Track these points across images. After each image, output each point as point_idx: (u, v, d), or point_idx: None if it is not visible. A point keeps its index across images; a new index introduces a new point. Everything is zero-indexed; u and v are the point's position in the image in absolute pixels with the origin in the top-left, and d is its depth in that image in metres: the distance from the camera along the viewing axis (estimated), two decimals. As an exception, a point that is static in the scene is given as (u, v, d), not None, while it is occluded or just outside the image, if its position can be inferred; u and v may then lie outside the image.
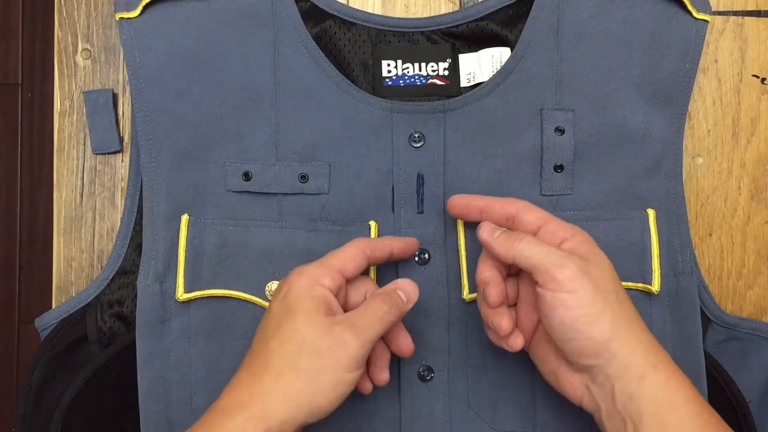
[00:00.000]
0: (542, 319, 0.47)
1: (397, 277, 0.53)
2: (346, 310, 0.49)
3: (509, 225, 0.50)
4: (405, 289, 0.49)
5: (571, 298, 0.44)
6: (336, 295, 0.47)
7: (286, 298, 0.46)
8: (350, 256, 0.48)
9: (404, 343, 0.50)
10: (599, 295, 0.45)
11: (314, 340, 0.45)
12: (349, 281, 0.49)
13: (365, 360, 0.46)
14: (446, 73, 0.56)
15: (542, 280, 0.45)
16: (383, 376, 0.50)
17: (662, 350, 0.46)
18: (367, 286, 0.50)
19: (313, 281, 0.47)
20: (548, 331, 0.46)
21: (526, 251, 0.46)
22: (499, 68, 0.55)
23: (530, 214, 0.49)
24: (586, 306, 0.44)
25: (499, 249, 0.48)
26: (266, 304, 0.53)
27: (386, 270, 0.54)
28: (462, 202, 0.51)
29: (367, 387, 0.50)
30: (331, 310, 0.46)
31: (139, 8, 0.53)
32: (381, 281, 0.54)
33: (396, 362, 0.53)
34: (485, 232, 0.49)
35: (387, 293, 0.48)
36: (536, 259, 0.46)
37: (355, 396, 0.53)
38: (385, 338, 0.50)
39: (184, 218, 0.54)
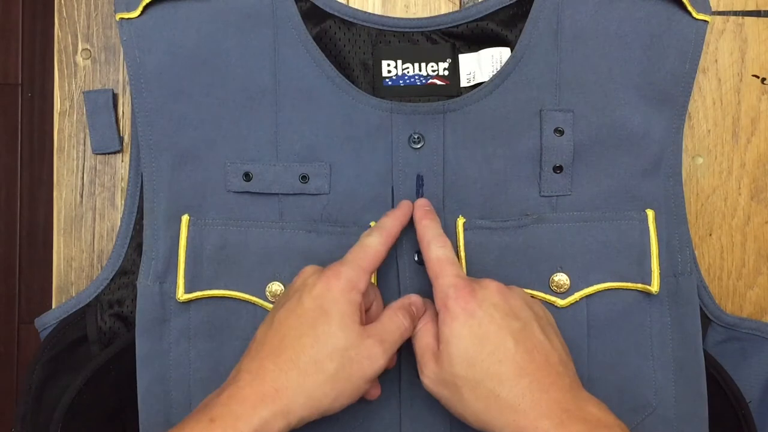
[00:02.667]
0: None
1: (398, 276, 0.54)
2: None
3: None
4: (416, 304, 0.50)
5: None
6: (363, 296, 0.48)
7: (323, 299, 0.46)
8: (379, 254, 0.49)
9: (372, 392, 0.51)
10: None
11: (347, 348, 0.45)
12: None
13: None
14: (446, 73, 0.56)
15: None
16: (375, 391, 0.51)
17: None
18: (375, 291, 0.51)
19: (351, 285, 0.47)
20: None
21: (414, 338, 0.50)
22: (499, 68, 0.55)
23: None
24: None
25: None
26: (266, 304, 0.53)
27: (386, 270, 0.54)
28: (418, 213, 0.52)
29: (375, 393, 0.51)
30: (362, 318, 0.47)
31: (140, 8, 0.53)
32: (381, 281, 0.54)
33: (397, 362, 0.53)
34: (414, 302, 0.51)
35: (405, 308, 0.49)
36: (415, 353, 0.49)
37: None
38: None
39: (185, 218, 0.54)
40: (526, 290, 0.53)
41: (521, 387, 0.45)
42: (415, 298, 0.50)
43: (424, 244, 0.50)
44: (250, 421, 0.43)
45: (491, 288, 0.48)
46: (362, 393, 0.47)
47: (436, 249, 0.50)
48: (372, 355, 0.46)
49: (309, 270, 0.49)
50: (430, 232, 0.51)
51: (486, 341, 0.46)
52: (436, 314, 0.49)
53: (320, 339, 0.45)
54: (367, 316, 0.50)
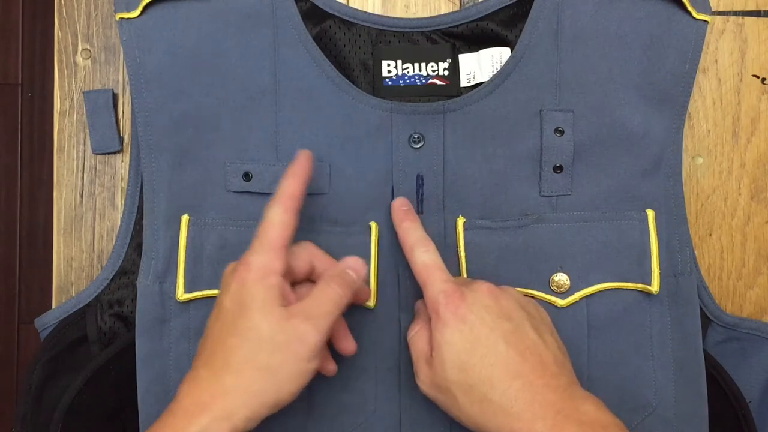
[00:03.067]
0: None
1: (398, 276, 0.54)
2: (293, 281, 0.48)
3: None
4: (354, 267, 0.49)
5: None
6: (285, 275, 0.47)
7: (240, 294, 0.45)
8: (284, 225, 0.47)
9: (347, 346, 0.50)
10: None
11: (272, 335, 0.44)
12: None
13: (324, 347, 0.46)
14: (446, 73, 0.56)
15: None
16: (350, 346, 0.50)
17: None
18: (308, 249, 0.50)
19: (264, 272, 0.45)
20: None
21: (409, 343, 0.50)
22: (499, 68, 0.55)
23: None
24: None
25: None
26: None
27: (386, 270, 0.54)
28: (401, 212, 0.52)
29: (331, 368, 0.50)
30: (286, 300, 0.46)
31: (139, 8, 0.53)
32: (381, 281, 0.54)
33: (397, 362, 0.53)
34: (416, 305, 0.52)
35: (339, 275, 0.47)
36: (411, 358, 0.50)
37: (355, 396, 0.53)
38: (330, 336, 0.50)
39: (185, 218, 0.54)
40: (526, 290, 0.53)
41: (514, 389, 0.44)
42: (351, 261, 0.49)
43: (407, 249, 0.50)
44: (189, 430, 0.42)
45: (482, 290, 0.48)
46: (309, 374, 0.45)
47: (421, 255, 0.49)
48: (301, 334, 0.44)
49: (227, 269, 0.48)
50: (412, 236, 0.50)
51: (477, 345, 0.45)
52: (425, 320, 0.49)
53: (245, 335, 0.44)
54: (313, 279, 0.49)
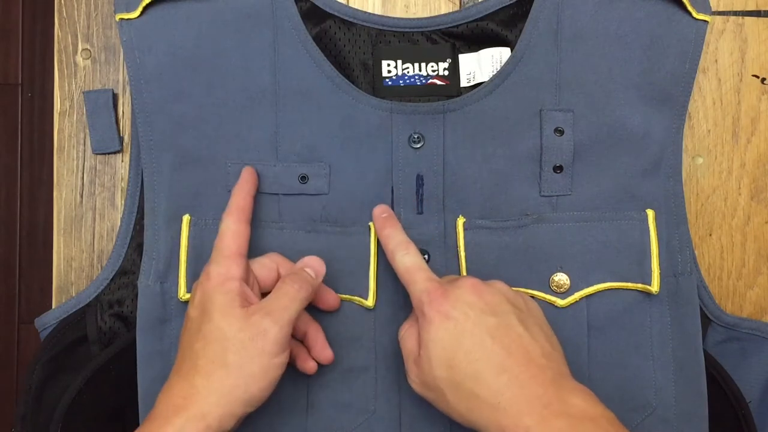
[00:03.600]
0: None
1: (397, 278, 0.54)
2: (263, 291, 0.50)
3: None
4: (312, 265, 0.51)
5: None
6: (246, 281, 0.49)
7: (203, 303, 0.48)
8: (236, 234, 0.50)
9: (324, 355, 0.52)
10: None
11: (235, 333, 0.46)
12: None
13: (288, 341, 0.48)
14: (446, 73, 0.56)
15: None
16: (326, 355, 0.52)
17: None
18: (273, 259, 0.52)
19: (222, 278, 0.48)
20: None
21: (399, 343, 0.50)
22: (499, 68, 0.55)
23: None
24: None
25: None
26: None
27: (386, 271, 0.54)
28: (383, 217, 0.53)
29: (311, 366, 0.52)
30: (247, 301, 0.48)
31: (139, 9, 0.53)
32: (381, 281, 0.54)
33: (396, 362, 0.53)
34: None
35: (295, 273, 0.50)
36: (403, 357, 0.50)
37: (355, 396, 0.53)
38: (306, 345, 0.52)
39: (185, 218, 0.54)
40: (526, 290, 0.53)
41: (500, 384, 0.44)
42: (309, 259, 0.51)
43: (389, 254, 0.51)
44: (165, 431, 0.44)
45: (465, 286, 0.48)
46: (277, 368, 0.47)
47: (402, 257, 0.50)
48: (262, 329, 0.46)
49: (194, 286, 0.50)
50: (392, 241, 0.51)
51: (462, 341, 0.45)
52: (412, 320, 0.49)
53: (209, 337, 0.46)
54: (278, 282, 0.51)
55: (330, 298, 0.53)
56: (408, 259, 0.50)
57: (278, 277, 0.51)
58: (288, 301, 0.48)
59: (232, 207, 0.51)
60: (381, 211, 0.53)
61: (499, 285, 0.49)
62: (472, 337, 0.46)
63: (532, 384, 0.44)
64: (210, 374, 0.45)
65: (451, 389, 0.46)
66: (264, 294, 0.50)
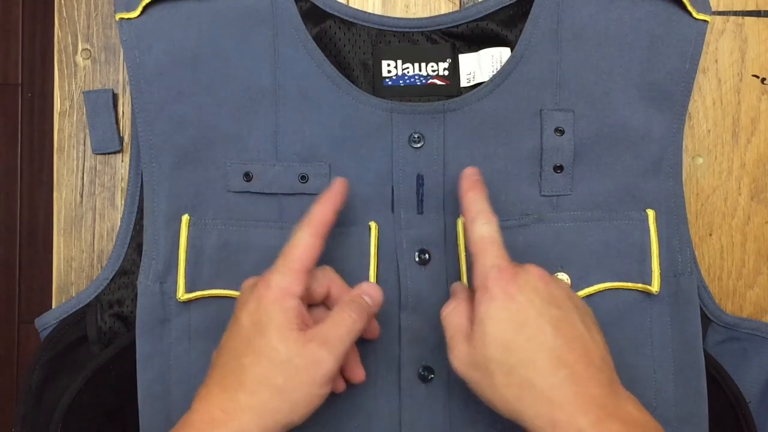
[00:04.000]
0: None
1: (398, 276, 0.53)
2: (309, 303, 0.49)
3: None
4: (370, 293, 0.49)
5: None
6: (303, 299, 0.47)
7: (258, 313, 0.46)
8: (309, 248, 0.47)
9: (357, 374, 0.51)
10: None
11: (289, 358, 0.44)
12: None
13: (338, 372, 0.47)
14: (446, 73, 0.56)
15: None
16: (360, 374, 0.51)
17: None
18: (327, 274, 0.50)
19: (283, 293, 0.46)
20: None
21: (443, 320, 0.49)
22: (499, 68, 0.55)
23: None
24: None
25: None
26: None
27: (386, 270, 0.54)
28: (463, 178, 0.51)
29: (340, 386, 0.50)
30: (304, 323, 0.46)
31: (139, 8, 0.53)
32: (381, 282, 0.54)
33: (396, 362, 0.53)
34: (452, 288, 0.51)
35: (354, 301, 0.48)
36: (445, 334, 0.48)
37: (355, 396, 0.53)
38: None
39: (185, 218, 0.54)
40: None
41: (558, 378, 0.43)
42: (367, 287, 0.49)
43: (469, 219, 0.48)
44: None
45: (534, 273, 0.46)
46: (321, 397, 0.46)
47: (481, 226, 0.47)
48: (317, 359, 0.45)
49: (245, 285, 0.48)
50: (475, 206, 0.48)
51: (524, 326, 0.44)
52: (470, 295, 0.47)
53: (261, 355, 0.45)
54: (327, 304, 0.49)
55: (373, 327, 0.52)
56: (486, 230, 0.47)
57: (327, 294, 0.49)
58: (345, 331, 0.46)
59: (313, 218, 0.48)
60: (472, 172, 0.51)
61: (562, 282, 0.48)
62: (535, 324, 0.44)
63: (590, 384, 0.43)
64: (255, 393, 0.44)
65: (501, 372, 0.44)
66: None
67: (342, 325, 0.46)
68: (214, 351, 0.48)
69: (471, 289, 0.48)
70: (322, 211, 0.48)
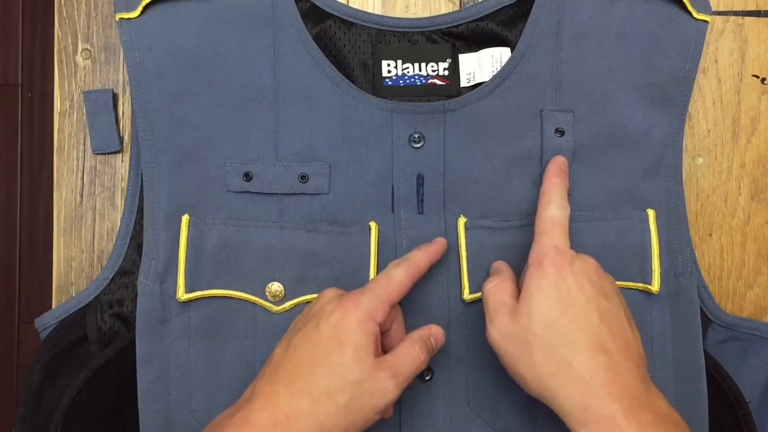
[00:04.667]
0: None
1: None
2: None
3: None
4: (436, 336, 0.50)
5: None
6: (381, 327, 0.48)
7: (340, 328, 0.46)
8: (403, 286, 0.49)
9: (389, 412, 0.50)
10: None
11: (360, 380, 0.45)
12: None
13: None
14: (446, 73, 0.56)
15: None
16: (389, 413, 0.50)
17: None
18: (397, 312, 0.51)
19: (369, 315, 0.47)
20: None
21: (485, 294, 0.49)
22: (499, 68, 0.55)
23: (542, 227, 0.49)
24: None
25: None
26: (266, 304, 0.53)
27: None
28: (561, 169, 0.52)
29: (388, 414, 0.50)
30: (377, 351, 0.47)
31: (139, 8, 0.53)
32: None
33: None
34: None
35: (423, 340, 0.49)
36: (485, 308, 0.49)
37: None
38: None
39: (185, 218, 0.54)
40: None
41: (597, 363, 0.44)
42: (435, 329, 0.50)
43: (545, 200, 0.50)
44: None
45: (590, 263, 0.48)
46: (372, 423, 0.47)
47: (555, 209, 0.49)
48: (384, 389, 0.46)
49: (329, 294, 0.49)
50: (556, 192, 0.50)
51: (571, 308, 0.45)
52: (514, 277, 0.49)
53: (334, 370, 0.45)
54: (386, 338, 0.50)
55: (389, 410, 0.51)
56: (558, 213, 0.49)
57: (389, 326, 0.50)
58: (413, 368, 0.47)
59: (412, 261, 0.50)
60: (563, 161, 0.53)
61: (613, 280, 0.50)
62: (582, 309, 0.45)
63: (627, 374, 0.44)
64: (319, 404, 0.44)
65: (541, 348, 0.45)
66: None
67: (410, 361, 0.47)
68: (279, 348, 0.48)
69: (513, 269, 0.50)
70: (421, 258, 0.51)
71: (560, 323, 0.45)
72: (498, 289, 0.48)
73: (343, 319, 0.46)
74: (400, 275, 0.49)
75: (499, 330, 0.47)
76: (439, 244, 0.52)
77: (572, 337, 0.45)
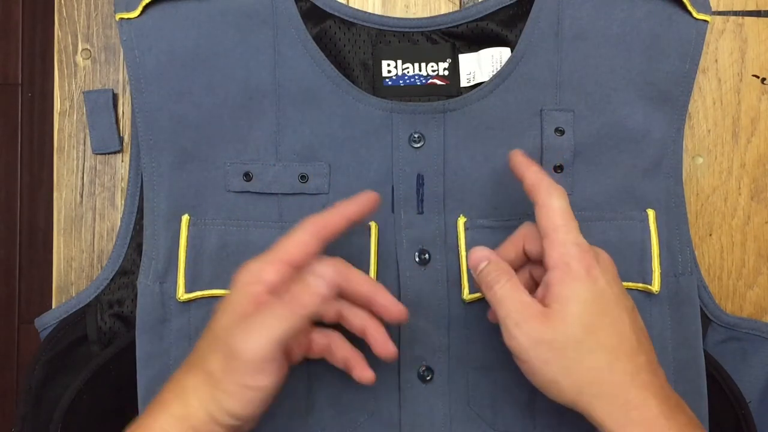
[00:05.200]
0: None
1: (398, 276, 0.53)
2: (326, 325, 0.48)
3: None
4: (322, 273, 0.45)
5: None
6: (279, 288, 0.44)
7: (227, 297, 0.46)
8: (297, 242, 0.45)
9: (386, 350, 0.47)
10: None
11: (224, 340, 0.43)
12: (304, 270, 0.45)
13: (276, 364, 0.43)
14: (446, 73, 0.56)
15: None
16: (388, 348, 0.47)
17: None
18: (341, 304, 0.48)
19: (253, 277, 0.45)
20: None
21: (498, 295, 0.45)
22: (499, 68, 0.55)
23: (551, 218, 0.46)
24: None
25: (480, 285, 0.47)
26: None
27: (386, 271, 0.54)
28: (514, 160, 0.49)
29: (368, 376, 0.48)
30: (257, 310, 0.44)
31: (139, 8, 0.53)
32: (381, 282, 0.54)
33: (396, 363, 0.53)
34: (471, 261, 0.47)
35: (295, 291, 0.44)
36: (504, 311, 0.45)
37: (354, 396, 0.53)
38: (368, 343, 0.48)
39: (185, 219, 0.54)
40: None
41: (637, 365, 0.43)
42: (318, 266, 0.45)
43: (543, 190, 0.46)
44: (151, 428, 0.43)
45: (607, 257, 0.46)
46: (258, 390, 0.43)
47: (559, 199, 0.45)
48: (237, 349, 0.42)
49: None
50: (546, 179, 0.46)
51: (607, 311, 0.44)
52: (511, 272, 0.46)
53: (206, 336, 0.45)
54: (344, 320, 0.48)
55: (388, 348, 0.47)
56: (565, 204, 0.46)
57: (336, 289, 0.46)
58: (274, 322, 0.43)
59: (319, 220, 0.46)
60: (519, 153, 0.49)
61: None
62: (615, 311, 0.44)
63: (661, 375, 0.44)
64: (195, 375, 0.44)
65: (580, 354, 0.43)
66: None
67: (270, 315, 0.43)
68: None
69: (508, 263, 0.47)
70: (329, 214, 0.47)
71: (599, 327, 0.43)
72: (513, 290, 0.45)
73: (232, 286, 0.45)
74: (300, 233, 0.46)
75: (529, 336, 0.43)
76: (361, 196, 0.48)
77: (611, 341, 0.43)
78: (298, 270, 0.45)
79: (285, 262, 0.45)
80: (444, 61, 0.56)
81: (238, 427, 0.44)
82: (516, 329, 0.44)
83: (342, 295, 0.48)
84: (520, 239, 0.49)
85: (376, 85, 0.56)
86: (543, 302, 0.45)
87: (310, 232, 0.46)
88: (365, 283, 0.48)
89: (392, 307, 0.47)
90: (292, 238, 0.46)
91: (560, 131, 0.54)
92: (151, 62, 0.54)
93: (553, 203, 0.46)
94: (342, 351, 0.49)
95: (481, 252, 0.47)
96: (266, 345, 0.42)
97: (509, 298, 0.45)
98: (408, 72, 0.56)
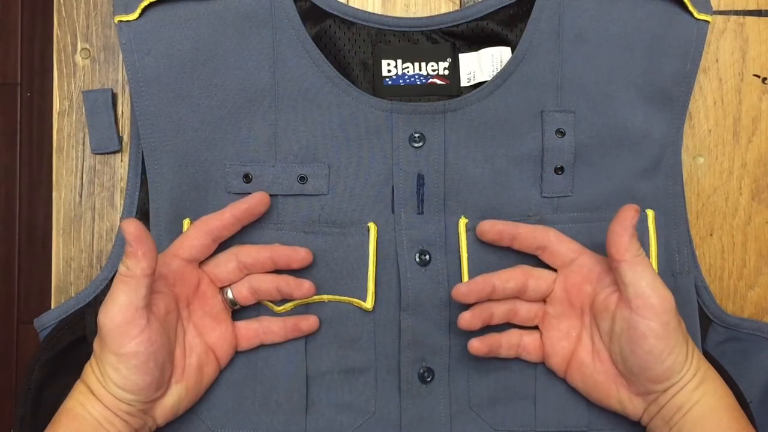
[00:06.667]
0: (620, 347, 0.48)
1: (398, 277, 0.53)
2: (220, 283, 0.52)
3: (538, 254, 0.52)
4: (131, 235, 0.46)
5: (663, 329, 0.46)
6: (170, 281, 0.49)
7: None
8: (191, 239, 0.51)
9: (299, 290, 0.51)
10: (679, 326, 0.48)
11: (102, 327, 0.47)
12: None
13: (137, 328, 0.46)
14: (446, 72, 0.56)
15: (638, 305, 0.47)
16: (305, 286, 0.51)
17: (703, 358, 0.49)
18: (249, 279, 0.52)
19: (139, 271, 0.46)
20: (624, 359, 0.48)
21: (638, 275, 0.47)
22: (499, 68, 0.55)
23: (563, 245, 0.51)
24: (672, 338, 0.47)
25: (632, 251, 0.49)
26: (268, 304, 0.53)
27: (386, 272, 0.54)
28: (494, 229, 0.52)
29: (307, 288, 0.51)
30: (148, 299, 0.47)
31: (138, 11, 0.53)
32: (380, 282, 0.53)
33: (396, 363, 0.53)
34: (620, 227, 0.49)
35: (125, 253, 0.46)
36: (644, 285, 0.47)
37: (354, 397, 0.53)
38: (282, 293, 0.51)
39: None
40: (527, 290, 0.53)
41: (690, 347, 0.48)
42: (126, 230, 0.46)
43: (630, 260, 0.49)
44: (65, 405, 0.48)
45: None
46: (130, 359, 0.46)
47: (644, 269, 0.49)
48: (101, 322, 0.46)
49: None
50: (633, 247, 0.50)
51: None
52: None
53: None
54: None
55: (303, 286, 0.51)
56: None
57: (240, 268, 0.51)
58: (116, 290, 0.46)
59: (211, 220, 0.51)
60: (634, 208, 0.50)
61: None
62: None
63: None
64: (92, 359, 0.49)
65: (680, 326, 0.48)
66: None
67: (115, 287, 0.46)
68: None
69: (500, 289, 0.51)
70: (220, 213, 0.51)
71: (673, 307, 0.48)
72: (560, 336, 0.51)
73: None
74: (189, 231, 0.51)
75: (600, 372, 0.51)
76: (252, 197, 0.52)
77: (677, 321, 0.48)
78: (191, 263, 0.51)
79: (176, 256, 0.50)
80: (444, 60, 0.56)
81: (140, 402, 0.47)
82: (577, 369, 0.51)
83: (250, 269, 0.52)
84: (526, 276, 0.52)
85: (376, 85, 0.56)
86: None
87: (206, 232, 0.51)
88: (261, 249, 0.51)
89: (294, 254, 0.52)
90: (184, 235, 0.51)
91: (561, 132, 0.54)
92: (150, 65, 0.53)
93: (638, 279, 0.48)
94: (266, 284, 0.51)
95: (631, 213, 0.49)
96: (117, 312, 0.46)
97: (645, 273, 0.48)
98: (408, 71, 0.56)
